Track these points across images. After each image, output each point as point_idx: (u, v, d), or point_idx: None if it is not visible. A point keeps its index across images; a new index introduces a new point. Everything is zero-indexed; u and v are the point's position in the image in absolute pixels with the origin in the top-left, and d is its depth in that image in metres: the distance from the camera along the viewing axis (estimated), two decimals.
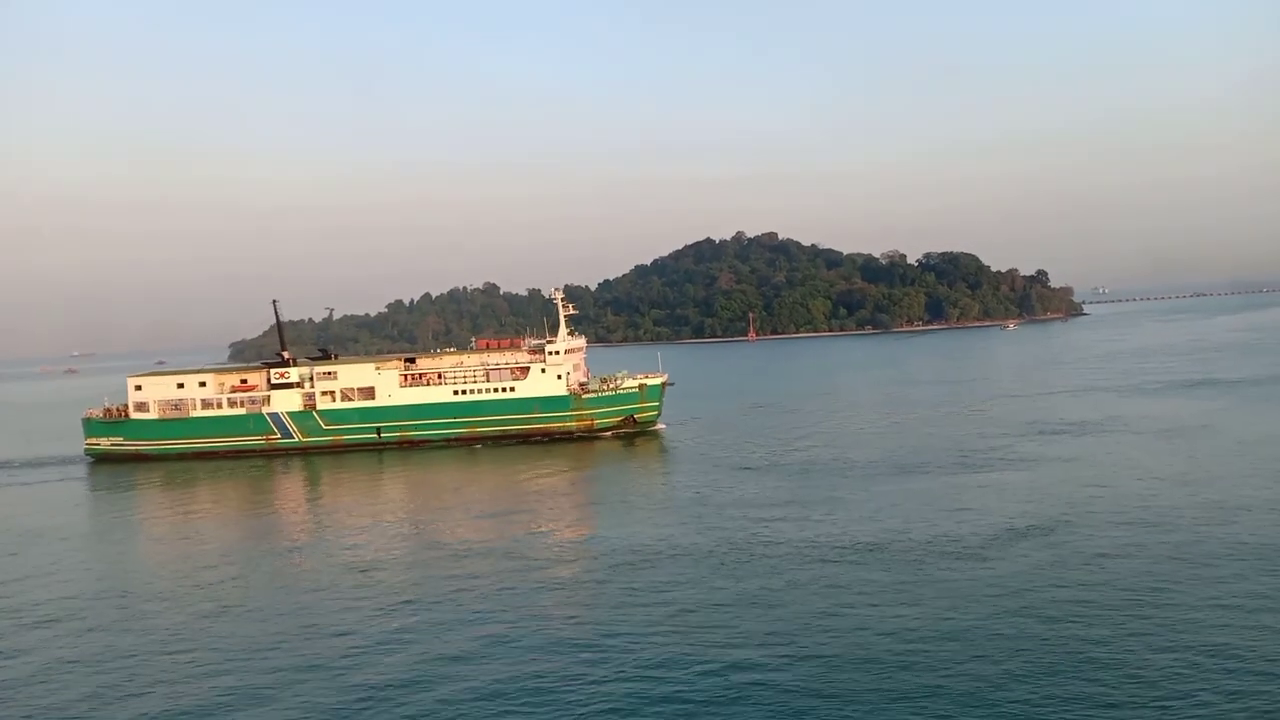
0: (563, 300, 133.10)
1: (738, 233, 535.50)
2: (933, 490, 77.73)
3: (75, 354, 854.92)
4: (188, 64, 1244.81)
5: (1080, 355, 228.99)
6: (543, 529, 73.34)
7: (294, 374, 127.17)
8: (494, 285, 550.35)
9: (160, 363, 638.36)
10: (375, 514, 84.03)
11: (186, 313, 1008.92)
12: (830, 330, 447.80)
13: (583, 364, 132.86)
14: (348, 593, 57.88)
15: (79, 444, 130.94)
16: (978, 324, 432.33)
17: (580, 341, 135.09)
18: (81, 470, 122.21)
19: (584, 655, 44.81)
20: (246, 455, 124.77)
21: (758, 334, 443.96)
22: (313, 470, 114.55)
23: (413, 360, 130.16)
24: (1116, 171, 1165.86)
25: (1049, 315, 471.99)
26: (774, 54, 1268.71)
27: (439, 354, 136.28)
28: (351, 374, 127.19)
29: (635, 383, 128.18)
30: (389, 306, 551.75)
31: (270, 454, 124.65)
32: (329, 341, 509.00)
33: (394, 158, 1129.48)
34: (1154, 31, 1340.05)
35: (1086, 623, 45.02)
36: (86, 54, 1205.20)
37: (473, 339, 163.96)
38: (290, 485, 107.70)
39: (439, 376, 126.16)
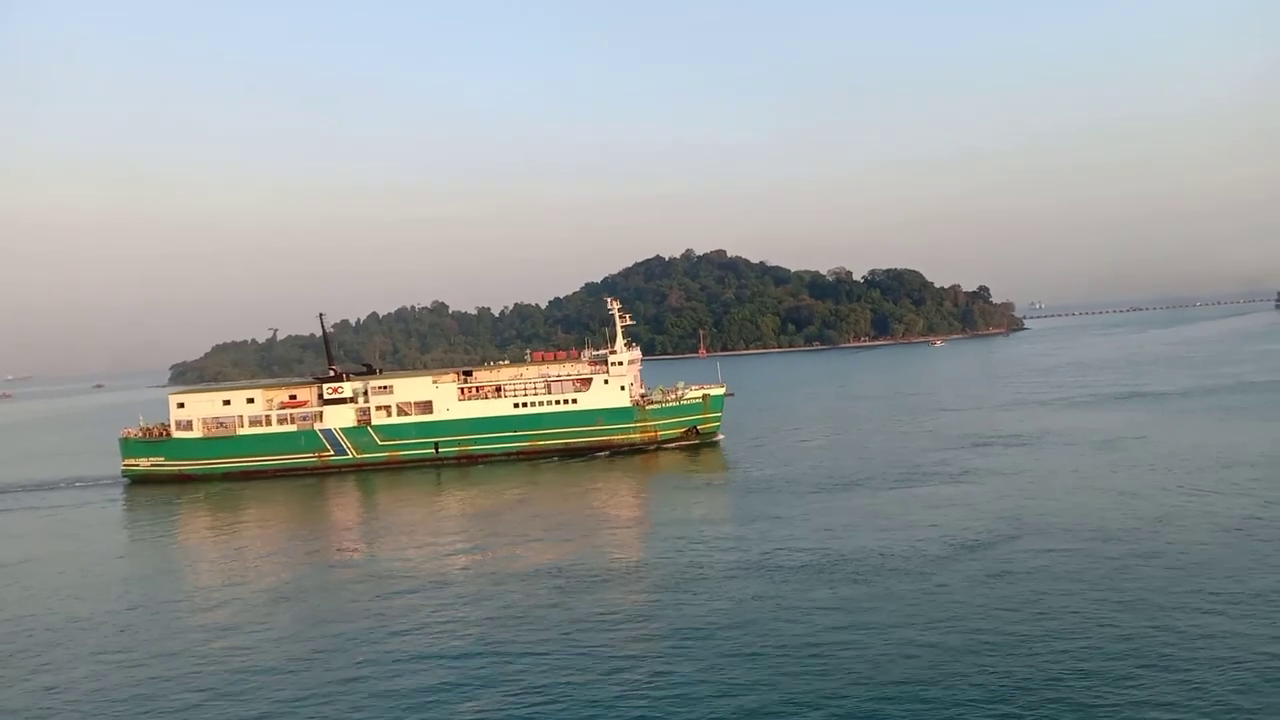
0: (620, 310, 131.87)
1: (687, 250, 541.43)
2: (878, 506, 79.49)
3: (9, 378, 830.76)
4: (128, 84, 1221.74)
5: (1021, 369, 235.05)
6: (612, 556, 68.41)
7: (347, 389, 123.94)
8: (442, 304, 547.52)
9: (98, 386, 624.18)
10: (434, 535, 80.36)
11: (123, 336, 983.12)
12: (779, 346, 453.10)
13: (639, 376, 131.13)
14: (400, 620, 55.81)
15: (114, 465, 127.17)
16: (922, 339, 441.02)
17: (637, 353, 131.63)
18: (120, 492, 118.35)
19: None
20: (297, 474, 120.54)
21: (708, 350, 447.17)
22: (368, 488, 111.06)
23: (470, 373, 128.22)
24: (1057, 189, 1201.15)
25: (991, 330, 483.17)
26: (723, 73, 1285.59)
27: (496, 366, 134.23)
28: (408, 388, 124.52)
29: (699, 393, 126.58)
30: (335, 326, 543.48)
31: (323, 472, 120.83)
32: (272, 363, 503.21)
33: (340, 178, 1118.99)
34: (1102, 54, 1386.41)
35: (1033, 633, 46.53)
36: (11, 74, 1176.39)
37: (528, 351, 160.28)
38: (346, 504, 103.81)
39: (497, 390, 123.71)
